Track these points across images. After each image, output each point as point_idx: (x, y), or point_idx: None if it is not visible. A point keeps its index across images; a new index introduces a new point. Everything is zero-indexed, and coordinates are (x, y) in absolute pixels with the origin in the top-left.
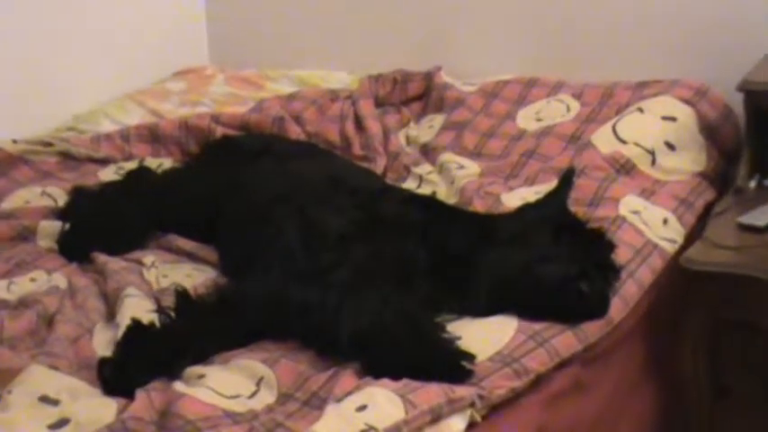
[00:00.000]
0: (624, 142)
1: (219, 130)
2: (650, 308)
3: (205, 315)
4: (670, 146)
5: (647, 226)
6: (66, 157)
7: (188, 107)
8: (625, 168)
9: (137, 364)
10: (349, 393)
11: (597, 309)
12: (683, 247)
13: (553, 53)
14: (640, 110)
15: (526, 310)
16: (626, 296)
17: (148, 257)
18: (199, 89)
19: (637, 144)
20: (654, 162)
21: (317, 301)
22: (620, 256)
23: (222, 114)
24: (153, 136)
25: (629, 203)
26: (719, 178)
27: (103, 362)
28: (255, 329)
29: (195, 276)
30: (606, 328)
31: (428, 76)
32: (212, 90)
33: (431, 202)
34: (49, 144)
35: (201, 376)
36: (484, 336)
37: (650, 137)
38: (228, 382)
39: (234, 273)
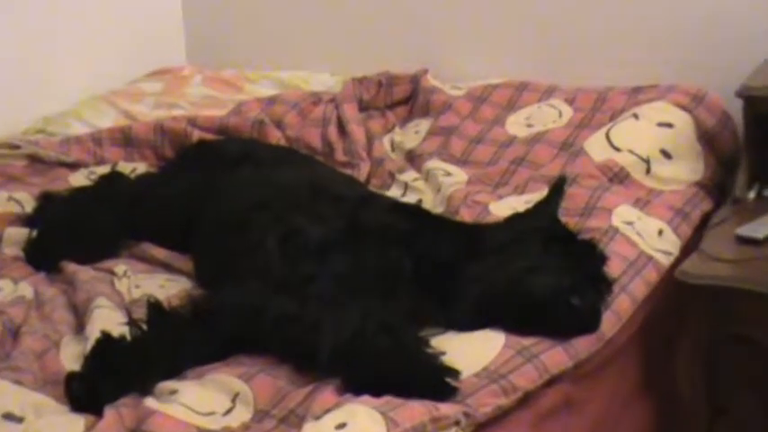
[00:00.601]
0: (618, 150)
1: (196, 134)
2: (644, 322)
3: (179, 327)
4: (666, 154)
5: (642, 237)
6: (35, 161)
7: (163, 109)
8: (619, 177)
9: (106, 379)
10: (328, 410)
11: (588, 323)
12: (679, 260)
13: (545, 56)
14: (635, 116)
15: (514, 323)
16: (618, 310)
17: (120, 267)
18: (175, 90)
19: (631, 152)
20: (649, 170)
21: (296, 313)
22: (613, 268)
23: (199, 117)
24: (126, 139)
25: (623, 214)
26: (717, 188)
27: (71, 377)
28: (232, 343)
29: (169, 287)
30: (598, 343)
31: (414, 79)
32: (189, 92)
33: (416, 210)
34: (17, 147)
35: (174, 392)
36: (470, 351)
37: (645, 144)
38: (203, 399)
39: (210, 283)
